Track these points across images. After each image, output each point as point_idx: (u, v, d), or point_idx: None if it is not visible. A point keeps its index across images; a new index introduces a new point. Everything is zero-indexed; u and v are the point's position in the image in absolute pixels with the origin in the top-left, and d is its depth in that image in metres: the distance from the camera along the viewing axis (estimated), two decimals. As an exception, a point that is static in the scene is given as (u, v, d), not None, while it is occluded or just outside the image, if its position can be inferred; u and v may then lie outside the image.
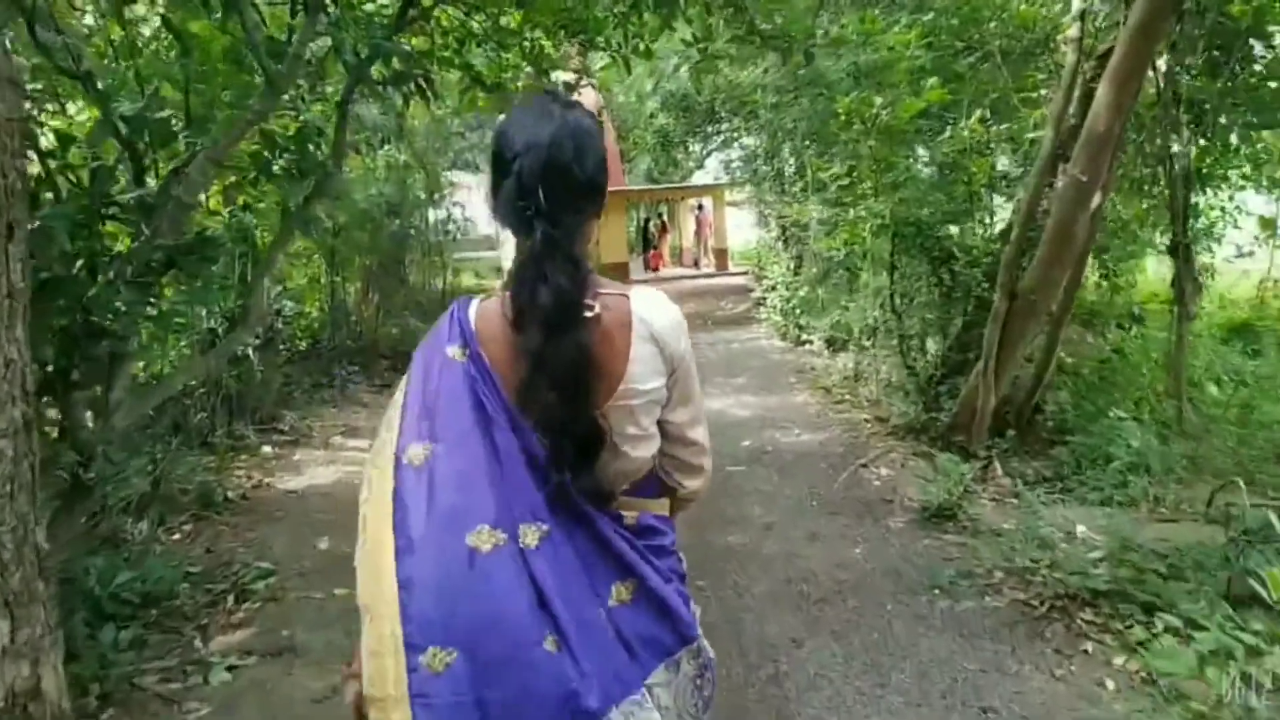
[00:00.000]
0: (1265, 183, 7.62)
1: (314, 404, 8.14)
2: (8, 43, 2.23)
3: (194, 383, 6.48)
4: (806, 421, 6.94)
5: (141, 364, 5.24)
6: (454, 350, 1.28)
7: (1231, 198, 7.38)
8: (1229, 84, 5.82)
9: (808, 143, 10.17)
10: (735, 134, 22.65)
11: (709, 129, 23.96)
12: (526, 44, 5.92)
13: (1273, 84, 5.97)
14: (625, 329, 1.29)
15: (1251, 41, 5.93)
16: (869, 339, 7.78)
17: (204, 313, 5.98)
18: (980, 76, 7.42)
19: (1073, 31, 5.79)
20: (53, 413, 3.15)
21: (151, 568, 4.02)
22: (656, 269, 24.26)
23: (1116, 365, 6.31)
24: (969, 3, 7.47)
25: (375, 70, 3.93)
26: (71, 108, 4.27)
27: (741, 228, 26.21)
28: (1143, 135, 5.91)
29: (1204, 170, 6.06)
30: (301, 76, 3.52)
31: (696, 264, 24.78)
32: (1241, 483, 3.99)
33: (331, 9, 3.58)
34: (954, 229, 6.63)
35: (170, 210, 3.08)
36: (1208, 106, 5.88)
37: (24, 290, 2.11)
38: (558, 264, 1.23)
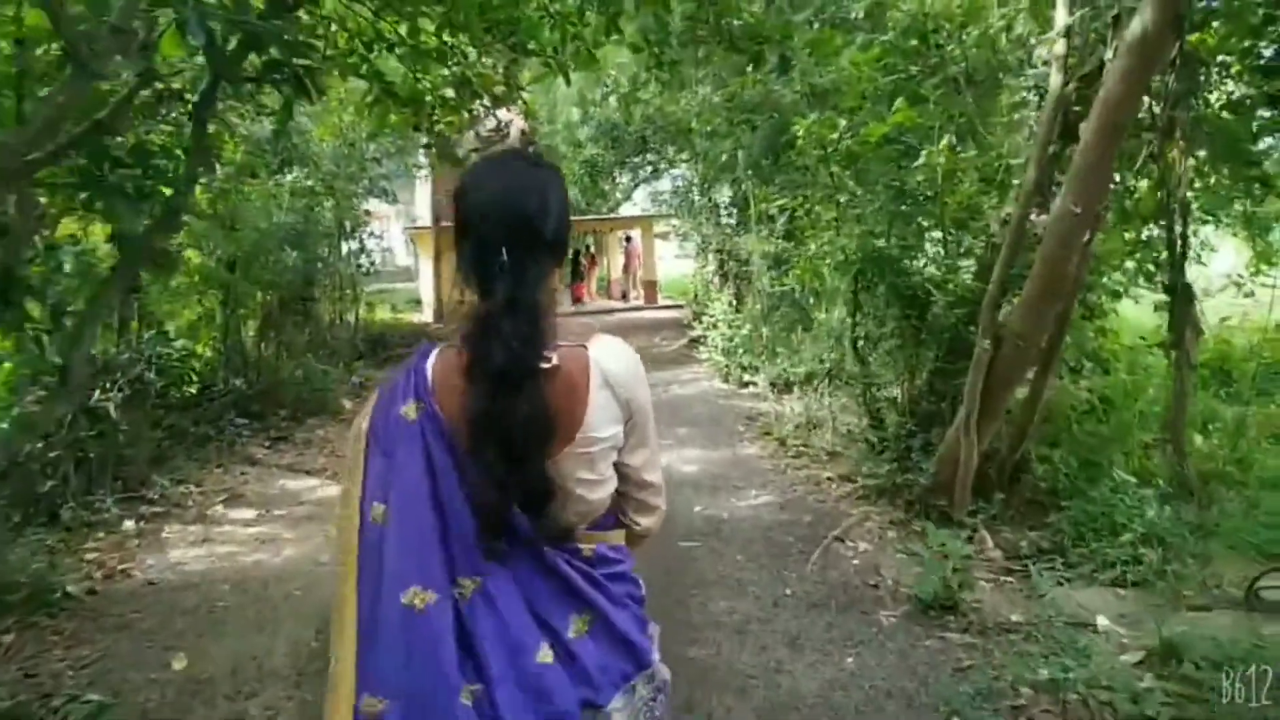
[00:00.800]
0: (1226, 220, 7.25)
1: (195, 463, 7.04)
2: None
3: (39, 444, 5.42)
4: (763, 480, 6.18)
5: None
6: (408, 408, 1.31)
7: (1196, 232, 6.96)
8: (1195, 115, 5.37)
9: (749, 171, 9.55)
10: (666, 165, 22.21)
11: (639, 159, 23.48)
12: (447, 51, 5.09)
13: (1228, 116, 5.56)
14: (584, 379, 1.33)
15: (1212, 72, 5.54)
16: (824, 383, 7.09)
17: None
18: (945, 100, 6.88)
19: (1058, 49, 5.24)
20: None
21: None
22: (581, 300, 23.47)
23: (1101, 415, 5.73)
24: (928, 22, 6.95)
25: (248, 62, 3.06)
26: None
27: (666, 259, 25.72)
28: (1133, 163, 5.38)
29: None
30: (126, 58, 2.60)
31: (625, 296, 24.12)
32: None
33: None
34: (924, 265, 6.00)
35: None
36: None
37: None
38: (517, 323, 1.26)
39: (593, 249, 26.19)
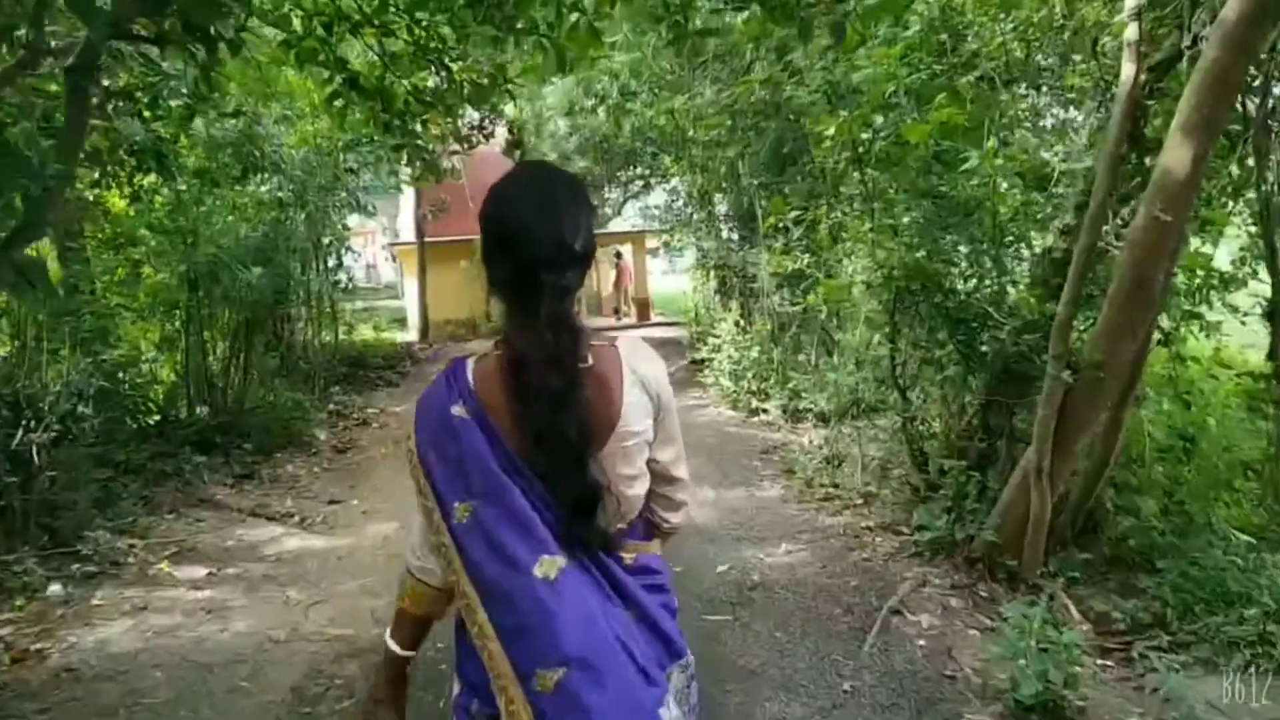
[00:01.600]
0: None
1: (145, 508, 6.21)
2: None
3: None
4: (791, 529, 5.40)
5: None
6: (459, 409, 1.34)
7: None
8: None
9: (755, 181, 8.81)
10: (658, 179, 21.50)
11: (630, 172, 22.78)
12: (421, 33, 4.32)
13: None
14: (617, 377, 1.37)
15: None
16: (852, 414, 6.32)
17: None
18: (982, 99, 6.16)
19: (1129, 33, 4.52)
20: None
21: None
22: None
23: (1182, 455, 4.98)
24: (956, 15, 6.25)
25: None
26: None
27: (654, 275, 24.95)
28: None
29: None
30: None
31: (616, 314, 23.30)
32: None
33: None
34: (971, 282, 5.25)
35: None
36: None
37: None
38: (561, 336, 1.29)
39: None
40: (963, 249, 5.25)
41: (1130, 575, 4.29)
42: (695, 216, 11.70)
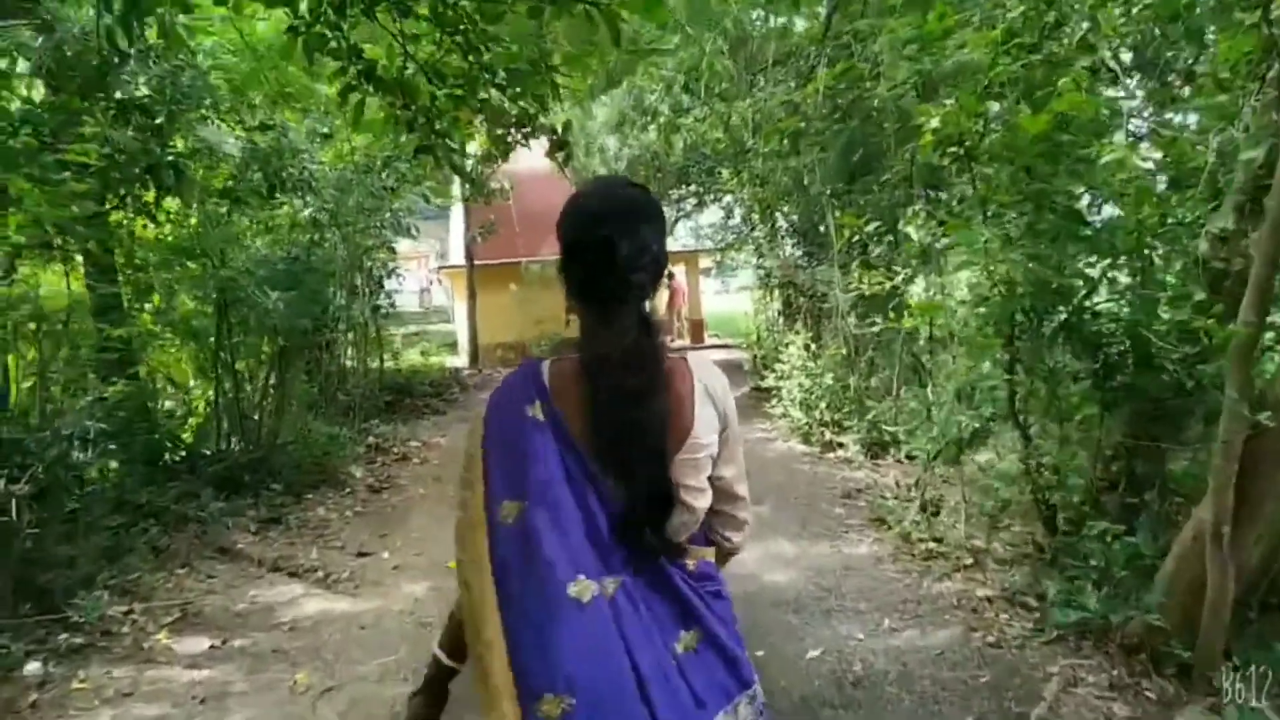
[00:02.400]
0: None
1: (154, 560, 5.59)
2: None
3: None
4: (893, 598, 4.52)
5: None
6: (534, 409, 1.33)
7: None
8: None
9: (825, 189, 7.97)
10: (712, 195, 20.79)
11: (682, 190, 22.09)
12: (447, 8, 3.62)
13: None
14: (689, 388, 1.38)
15: None
16: (956, 454, 5.43)
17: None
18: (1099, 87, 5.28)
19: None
20: None
21: None
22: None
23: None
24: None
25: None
26: None
27: (704, 294, 24.07)
28: None
29: None
30: None
31: (671, 337, 22.52)
32: None
33: None
34: (1107, 299, 4.37)
35: None
36: None
37: None
38: (643, 345, 1.32)
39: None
40: (1096, 260, 4.37)
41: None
42: (756, 232, 10.88)
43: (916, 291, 6.97)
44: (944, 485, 6.11)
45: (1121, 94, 5.44)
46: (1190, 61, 5.32)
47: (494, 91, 3.92)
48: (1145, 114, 5.76)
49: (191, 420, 8.52)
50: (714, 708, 1.30)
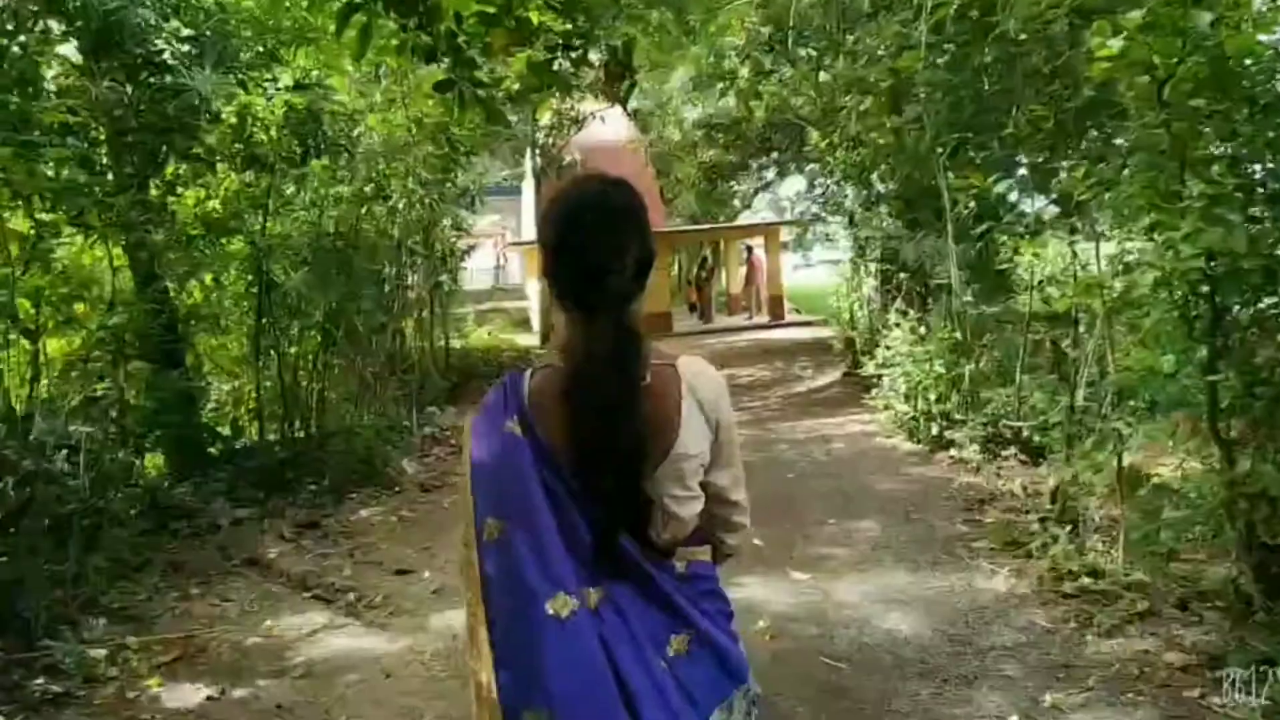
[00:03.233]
0: None
1: (169, 576, 4.95)
2: None
3: None
4: (1050, 660, 3.49)
5: None
6: (513, 425, 1.31)
7: None
8: None
9: (941, 148, 6.84)
10: (796, 164, 19.60)
11: (763, 159, 20.92)
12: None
13: None
14: (675, 397, 1.34)
15: None
16: (1117, 466, 4.35)
17: None
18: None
19: None
20: None
21: None
22: (709, 319, 20.83)
23: None
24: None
25: None
26: None
27: (784, 270, 22.85)
28: None
29: None
30: None
31: (747, 313, 21.43)
32: None
33: None
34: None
35: None
36: None
37: None
38: (620, 347, 1.29)
39: (710, 261, 23.61)
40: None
41: None
42: (848, 201, 9.75)
43: (1052, 263, 5.87)
44: (1083, 495, 5.04)
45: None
46: None
47: (533, 10, 2.99)
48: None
49: (234, 412, 7.97)
50: (707, 706, 1.32)
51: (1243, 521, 3.48)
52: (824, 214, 13.64)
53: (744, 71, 17.18)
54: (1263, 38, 3.40)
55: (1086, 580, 4.15)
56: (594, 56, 15.43)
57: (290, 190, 7.44)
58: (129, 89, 5.24)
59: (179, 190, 6.42)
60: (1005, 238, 5.31)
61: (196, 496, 6.49)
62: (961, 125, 6.86)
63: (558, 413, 1.29)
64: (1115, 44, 3.35)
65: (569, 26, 3.21)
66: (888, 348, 7.63)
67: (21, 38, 4.88)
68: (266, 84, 6.37)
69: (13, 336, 4.69)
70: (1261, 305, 3.37)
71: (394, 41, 3.19)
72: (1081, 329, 5.07)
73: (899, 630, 3.83)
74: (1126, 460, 4.17)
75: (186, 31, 5.43)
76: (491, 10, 3.04)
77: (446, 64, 3.11)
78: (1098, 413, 4.82)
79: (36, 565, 4.01)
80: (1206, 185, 3.25)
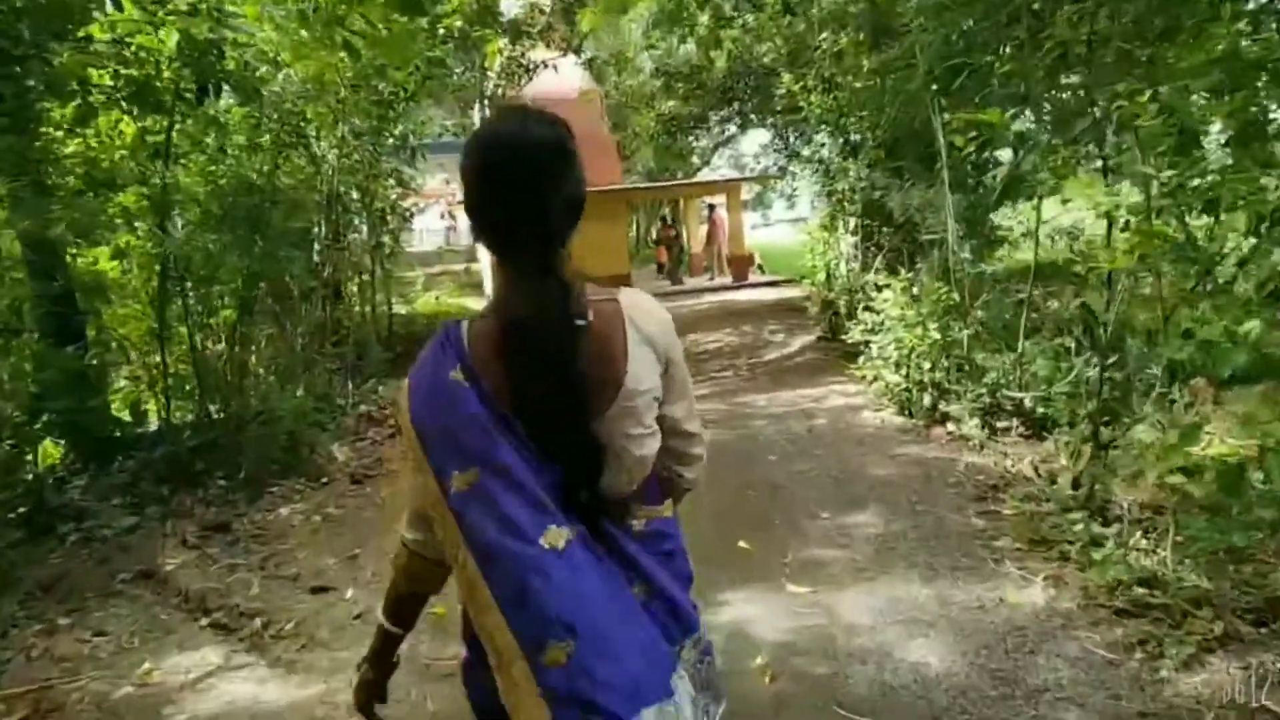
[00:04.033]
0: None
1: (37, 601, 4.09)
2: None
3: None
4: (1120, 705, 2.81)
5: None
6: (457, 374, 1.26)
7: None
8: None
9: (936, 84, 6.05)
10: (760, 115, 18.73)
11: (725, 111, 19.98)
12: None
13: None
14: (620, 333, 1.31)
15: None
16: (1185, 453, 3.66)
17: None
18: None
19: None
20: None
21: None
22: (677, 280, 19.99)
23: None
24: None
25: None
26: None
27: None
28: None
29: None
30: None
31: (710, 275, 20.67)
32: None
33: None
34: None
35: None
36: None
37: None
38: (547, 288, 1.25)
39: (669, 219, 22.75)
40: None
41: None
42: (824, 150, 8.93)
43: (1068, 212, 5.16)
44: (1104, 472, 4.40)
45: None
46: None
47: None
48: None
49: (142, 393, 7.00)
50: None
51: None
52: (791, 168, 12.80)
53: (703, 19, 16.26)
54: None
55: (1140, 591, 3.47)
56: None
57: (196, 138, 6.44)
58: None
59: (62, 135, 5.43)
60: (1022, 184, 4.53)
61: (92, 494, 5.64)
62: (958, 55, 6.08)
63: (497, 362, 1.25)
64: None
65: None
66: (876, 311, 6.89)
67: None
68: (153, 5, 5.34)
69: None
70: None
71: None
72: (1118, 287, 4.33)
73: (927, 664, 3.11)
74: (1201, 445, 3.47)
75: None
76: None
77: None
78: (1138, 387, 4.15)
79: None
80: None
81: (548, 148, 1.27)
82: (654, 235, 22.69)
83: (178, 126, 5.96)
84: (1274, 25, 3.52)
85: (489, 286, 18.18)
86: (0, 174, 5.11)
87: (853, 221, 8.74)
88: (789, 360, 9.18)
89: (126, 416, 6.59)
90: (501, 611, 1.17)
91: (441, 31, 9.38)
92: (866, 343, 7.06)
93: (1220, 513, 3.46)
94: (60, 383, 5.68)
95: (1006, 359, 6.03)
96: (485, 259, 18.82)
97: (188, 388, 6.58)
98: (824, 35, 8.42)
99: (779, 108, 14.83)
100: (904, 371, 6.40)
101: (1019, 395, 5.82)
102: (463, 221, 30.21)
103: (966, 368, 6.16)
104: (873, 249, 8.58)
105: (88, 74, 5.04)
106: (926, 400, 6.32)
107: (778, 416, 6.81)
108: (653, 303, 1.39)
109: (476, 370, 1.25)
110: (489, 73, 14.87)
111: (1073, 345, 5.68)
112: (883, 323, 6.71)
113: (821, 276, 9.55)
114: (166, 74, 5.47)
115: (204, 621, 4.01)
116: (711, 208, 21.11)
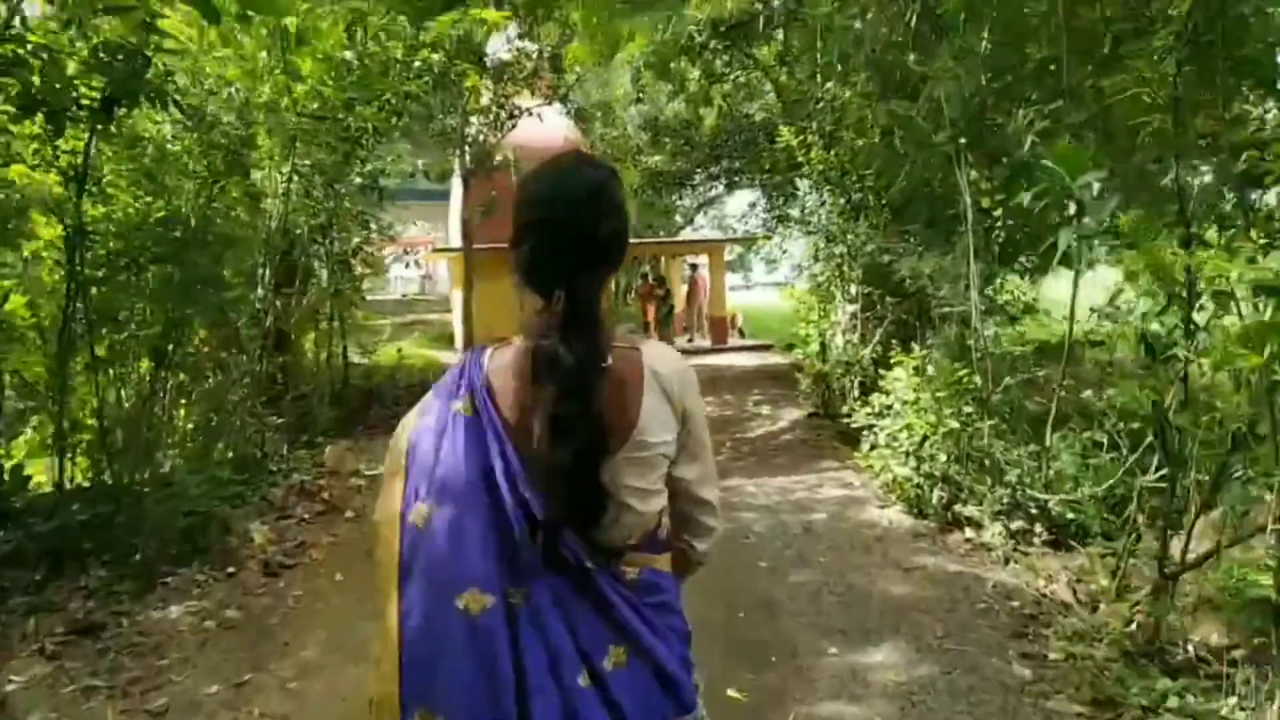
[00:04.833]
0: None
1: None
2: None
3: None
4: None
5: None
6: (459, 404, 1.27)
7: None
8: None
9: (963, 136, 5.36)
10: (749, 175, 18.27)
11: (712, 169, 19.52)
12: None
13: None
14: (636, 381, 1.29)
15: None
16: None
17: None
18: None
19: None
20: None
21: None
22: (664, 338, 19.20)
23: None
24: None
25: None
26: None
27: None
28: None
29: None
30: None
31: (690, 336, 19.94)
32: None
33: None
34: None
35: None
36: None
37: None
38: (582, 329, 1.24)
39: (650, 278, 22.08)
40: None
41: None
42: (824, 208, 8.22)
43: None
44: (1168, 608, 3.61)
45: None
46: None
47: None
48: None
49: (37, 452, 6.05)
50: None
51: None
52: (780, 230, 12.16)
53: (694, 74, 15.78)
54: None
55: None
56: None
57: (119, 161, 5.63)
58: None
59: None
60: (1090, 246, 3.76)
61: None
62: (986, 100, 5.41)
63: (515, 393, 1.25)
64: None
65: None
66: (885, 392, 6.08)
67: None
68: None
69: None
70: None
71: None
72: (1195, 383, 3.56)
73: None
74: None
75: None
76: None
77: None
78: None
79: None
80: None
81: (598, 189, 1.30)
82: (634, 292, 21.95)
83: (100, 147, 5.16)
84: None
85: (459, 337, 17.35)
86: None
87: (853, 288, 7.99)
88: (778, 438, 8.32)
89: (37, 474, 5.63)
90: (400, 661, 1.15)
91: (418, 64, 8.68)
92: (871, 427, 6.23)
93: None
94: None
95: (1024, 452, 5.26)
96: (457, 308, 17.99)
97: (86, 447, 5.66)
98: (828, 86, 7.77)
99: (768, 167, 14.28)
100: (916, 464, 5.58)
101: (1044, 498, 5.05)
102: (438, 271, 29.40)
103: (987, 463, 5.36)
104: (873, 320, 7.82)
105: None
106: (939, 497, 5.50)
107: (769, 509, 5.93)
108: (676, 356, 1.37)
109: (486, 398, 1.26)
110: (471, 118, 14.23)
111: (1104, 440, 4.95)
112: (891, 406, 5.91)
113: (815, 347, 8.77)
114: (75, 79, 4.65)
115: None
116: (694, 267, 20.55)
